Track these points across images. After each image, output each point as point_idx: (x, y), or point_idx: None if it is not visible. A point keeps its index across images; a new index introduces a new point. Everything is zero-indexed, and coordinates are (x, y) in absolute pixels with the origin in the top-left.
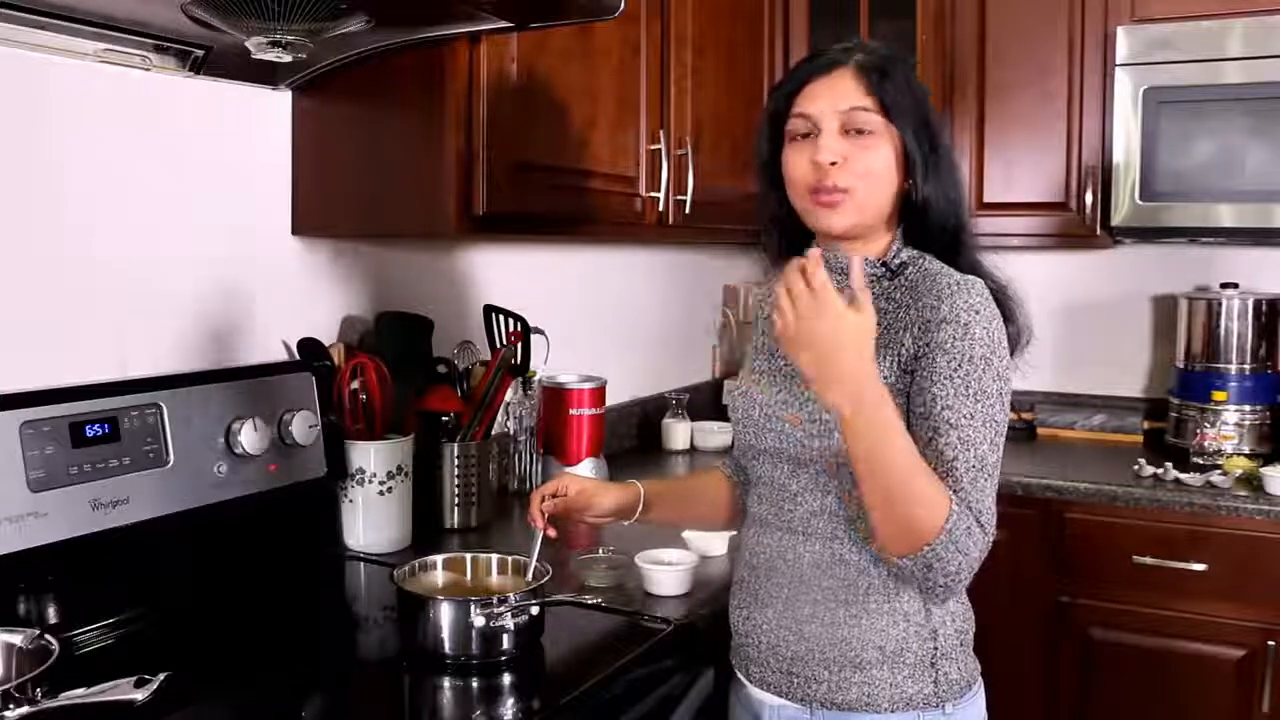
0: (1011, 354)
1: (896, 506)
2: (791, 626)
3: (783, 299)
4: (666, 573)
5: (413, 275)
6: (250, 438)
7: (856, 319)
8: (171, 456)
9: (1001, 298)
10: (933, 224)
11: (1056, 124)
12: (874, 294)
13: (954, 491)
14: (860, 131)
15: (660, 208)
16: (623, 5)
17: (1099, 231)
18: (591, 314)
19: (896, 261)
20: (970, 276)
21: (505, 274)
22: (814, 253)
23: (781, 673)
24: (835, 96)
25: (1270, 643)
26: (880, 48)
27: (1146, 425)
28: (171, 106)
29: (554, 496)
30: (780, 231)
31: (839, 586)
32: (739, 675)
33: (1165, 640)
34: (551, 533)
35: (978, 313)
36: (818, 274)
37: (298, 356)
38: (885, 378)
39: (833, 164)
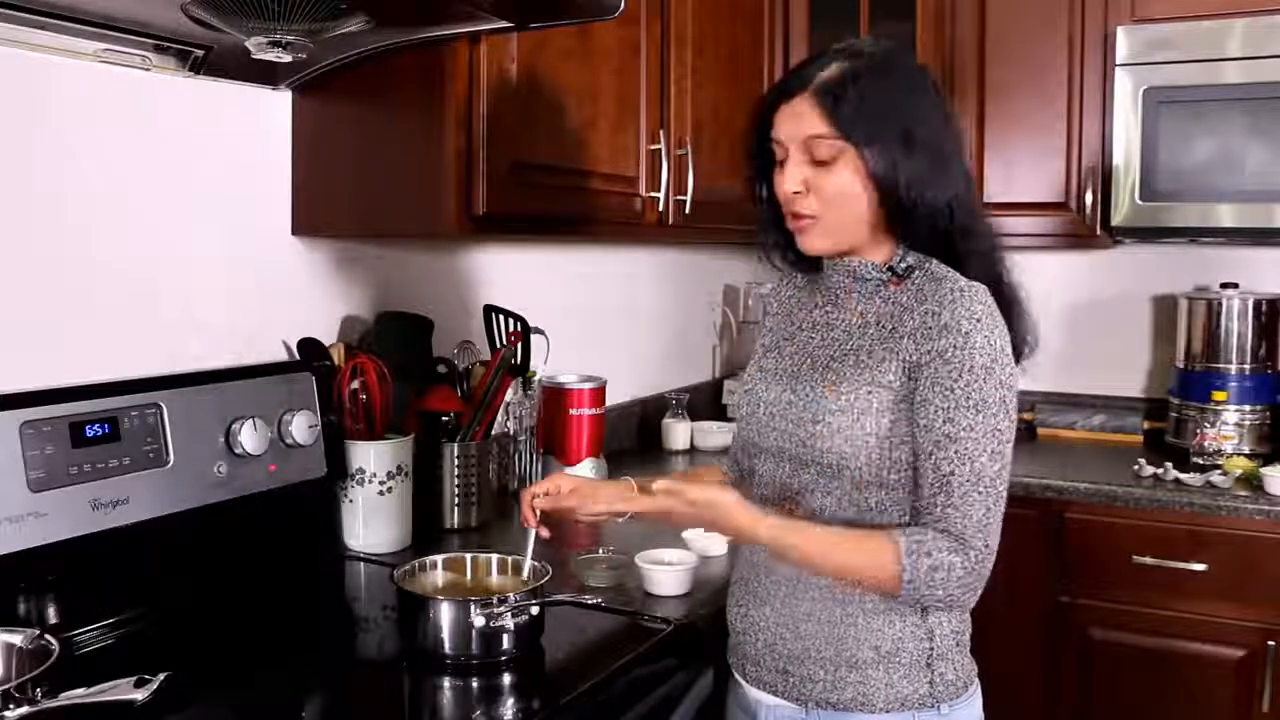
0: (1017, 361)
1: (849, 579)
2: (789, 624)
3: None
4: (666, 573)
5: (413, 275)
6: (250, 438)
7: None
8: (171, 456)
9: (1009, 302)
10: (919, 229)
11: (1056, 124)
12: (881, 299)
13: (943, 509)
14: (820, 161)
15: (660, 208)
16: (623, 5)
17: (1099, 231)
18: (591, 314)
19: (902, 266)
20: (974, 283)
21: (505, 274)
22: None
23: (778, 671)
24: (795, 125)
25: (1270, 643)
26: (864, 47)
27: (1146, 425)
28: (171, 106)
29: (545, 495)
30: (785, 251)
31: (836, 586)
32: (735, 675)
33: (1165, 640)
34: (545, 533)
35: (979, 321)
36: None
37: (298, 356)
38: (890, 383)
39: (795, 193)
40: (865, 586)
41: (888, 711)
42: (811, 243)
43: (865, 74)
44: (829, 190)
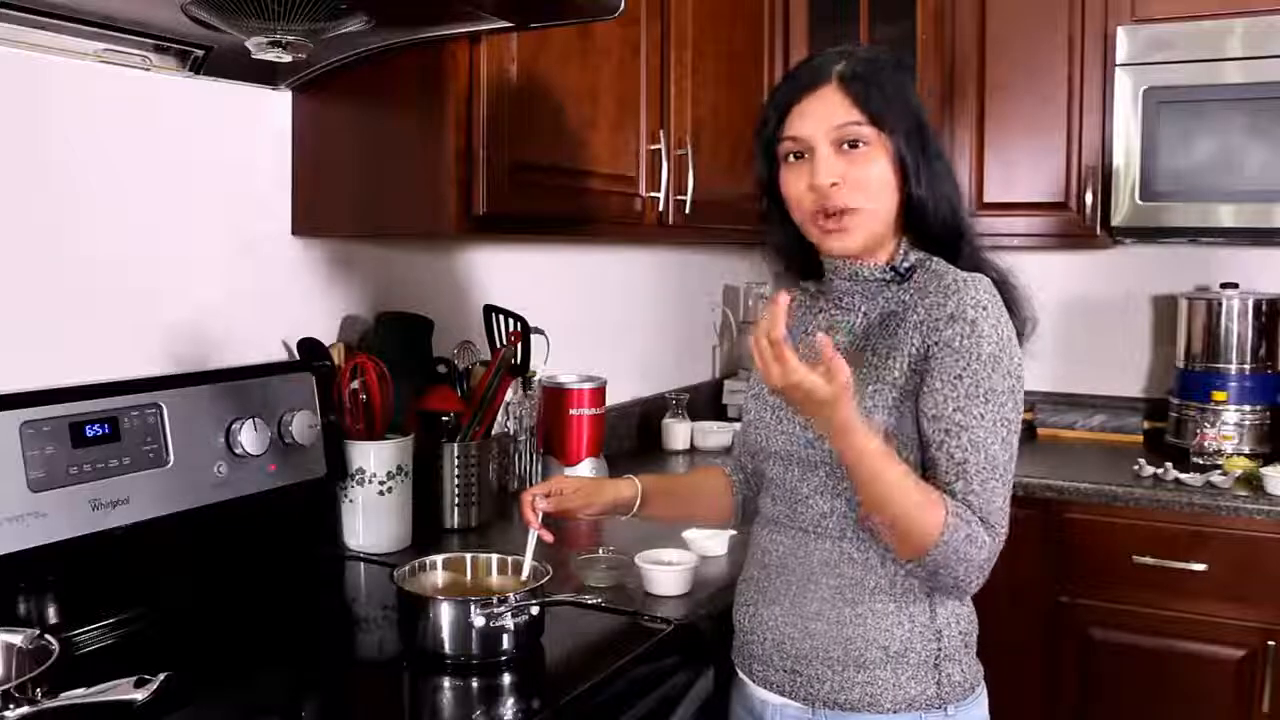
0: (1020, 343)
1: (894, 527)
2: (797, 624)
3: (759, 361)
4: (666, 573)
5: (413, 275)
6: (250, 438)
7: (826, 392)
8: (171, 456)
9: (1005, 287)
10: (932, 225)
11: (1056, 124)
12: (884, 299)
13: (964, 495)
14: (854, 145)
15: (660, 208)
16: (623, 5)
17: (1099, 231)
18: (591, 314)
19: (905, 265)
20: (976, 274)
21: (505, 274)
22: (779, 302)
23: (785, 671)
24: (824, 115)
25: (1270, 643)
26: (863, 52)
27: (1146, 425)
28: (171, 106)
29: (545, 497)
30: (789, 257)
31: (846, 585)
32: (741, 674)
33: (1165, 640)
34: (548, 537)
35: (985, 309)
36: (784, 351)
37: (298, 356)
38: (896, 379)
39: (833, 185)
40: (898, 531)
41: (895, 712)
42: (851, 242)
43: (882, 67)
44: (871, 180)
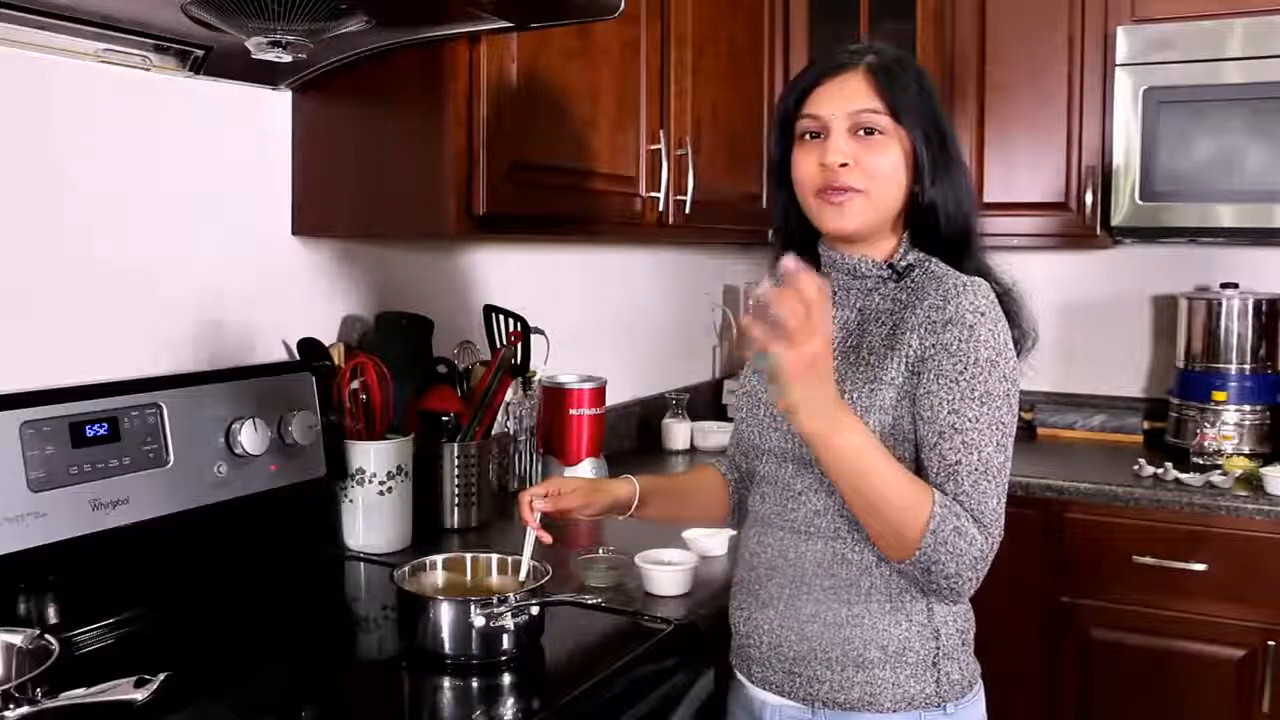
0: (1017, 356)
1: (878, 518)
2: (794, 626)
3: (785, 314)
4: (666, 573)
5: (413, 275)
6: (250, 438)
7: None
8: (171, 456)
9: (1006, 301)
10: (940, 227)
11: (1056, 124)
12: (880, 296)
13: (954, 495)
14: (870, 132)
15: (660, 208)
16: (623, 5)
17: (1099, 231)
18: (591, 314)
19: (903, 264)
20: (975, 278)
21: (505, 274)
22: (790, 266)
23: (784, 672)
24: (844, 98)
25: (1270, 643)
26: (891, 49)
27: (1146, 425)
28: (171, 106)
29: (543, 497)
30: (789, 235)
31: (841, 586)
32: (739, 676)
33: (1165, 640)
34: (546, 538)
35: (983, 314)
36: (810, 291)
37: (298, 356)
38: (892, 379)
39: (842, 165)
40: (885, 527)
41: (894, 711)
42: (848, 220)
43: (910, 66)
44: (879, 166)
